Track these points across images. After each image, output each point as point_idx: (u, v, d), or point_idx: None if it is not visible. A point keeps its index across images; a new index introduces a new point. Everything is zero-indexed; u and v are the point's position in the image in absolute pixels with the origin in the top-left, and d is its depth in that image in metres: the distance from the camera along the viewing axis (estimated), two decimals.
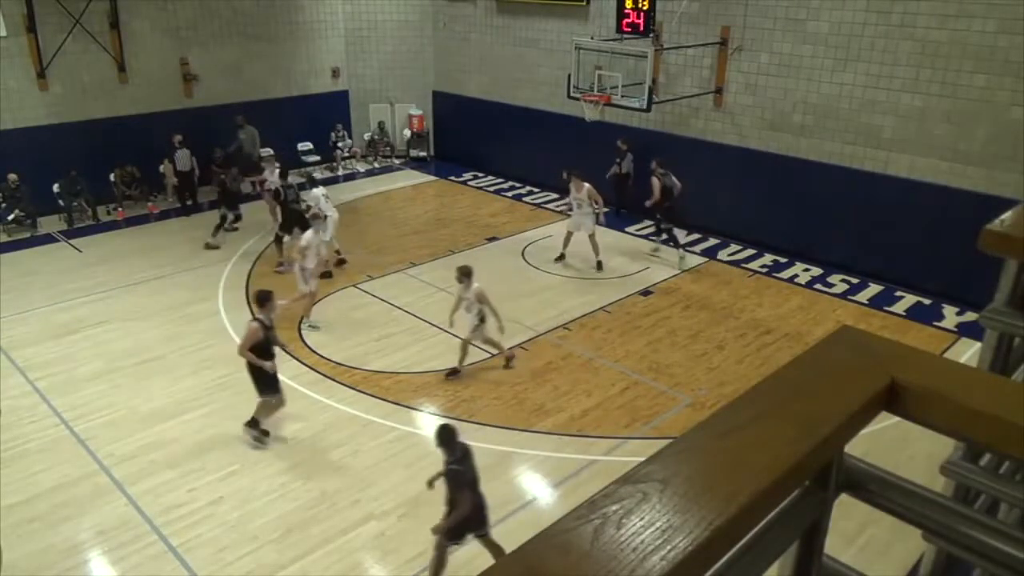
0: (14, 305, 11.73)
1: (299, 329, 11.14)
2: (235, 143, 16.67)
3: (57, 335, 10.87)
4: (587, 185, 12.86)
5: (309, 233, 11.17)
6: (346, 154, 18.97)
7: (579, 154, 15.50)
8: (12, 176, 14.31)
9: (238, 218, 14.52)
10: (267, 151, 16.29)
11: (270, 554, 6.99)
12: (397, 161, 19.59)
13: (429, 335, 11.00)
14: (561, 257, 13.53)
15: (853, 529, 6.95)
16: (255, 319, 8.43)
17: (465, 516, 6.29)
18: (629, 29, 13.43)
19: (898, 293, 12.44)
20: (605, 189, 13.86)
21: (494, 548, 6.60)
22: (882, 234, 12.63)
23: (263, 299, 8.50)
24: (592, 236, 13.09)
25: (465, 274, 9.59)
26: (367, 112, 19.66)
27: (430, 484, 6.73)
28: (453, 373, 9.88)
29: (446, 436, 6.32)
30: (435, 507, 7.59)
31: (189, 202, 15.97)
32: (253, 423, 8.50)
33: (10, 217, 14.44)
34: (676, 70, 14.76)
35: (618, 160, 15.28)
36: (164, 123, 16.11)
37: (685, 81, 14.65)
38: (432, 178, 18.73)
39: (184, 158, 15.76)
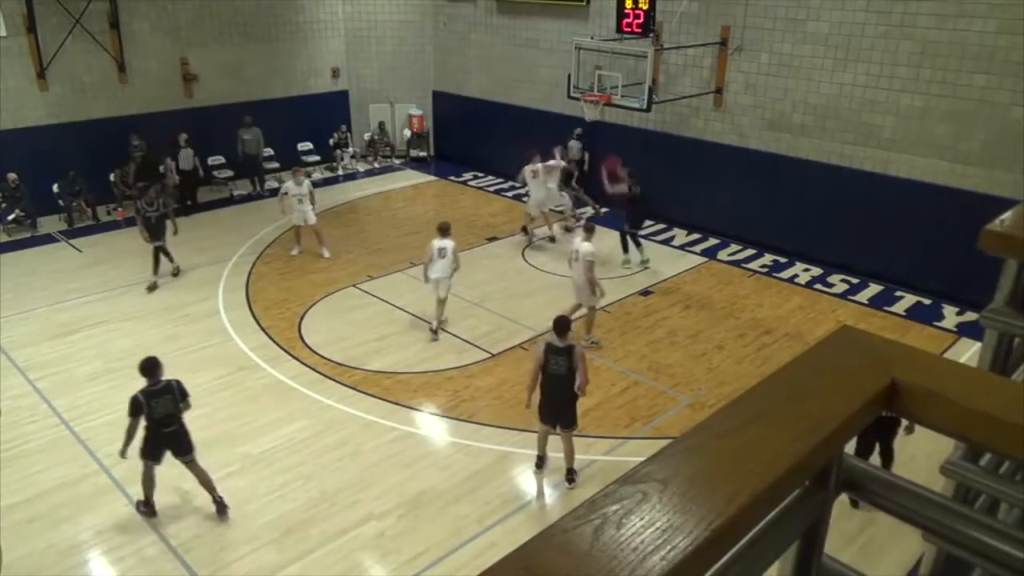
0: (14, 305, 11.73)
1: (299, 328, 11.14)
2: (238, 144, 16.67)
3: (57, 335, 10.87)
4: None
5: (586, 244, 10.18)
6: (347, 160, 18.97)
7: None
8: (12, 175, 14.31)
9: (162, 252, 12.61)
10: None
11: (270, 554, 6.99)
12: (397, 161, 19.59)
13: (429, 335, 11.00)
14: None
15: (853, 529, 6.96)
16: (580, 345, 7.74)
17: (144, 440, 7.12)
18: (629, 29, 13.43)
19: (898, 293, 12.44)
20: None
21: (199, 474, 7.34)
22: (882, 234, 12.63)
23: (566, 326, 7.76)
24: None
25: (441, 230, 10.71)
26: (367, 112, 19.66)
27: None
28: None
29: (147, 366, 7.14)
30: (436, 506, 7.61)
31: (189, 202, 15.96)
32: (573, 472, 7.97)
33: (11, 217, 14.45)
34: (676, 70, 14.76)
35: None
36: (164, 123, 16.11)
37: (685, 81, 14.65)
38: (432, 178, 18.72)
39: (187, 157, 15.76)
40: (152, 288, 12.40)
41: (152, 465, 7.25)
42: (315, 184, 17.79)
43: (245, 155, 16.79)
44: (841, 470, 1.13)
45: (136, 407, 7.04)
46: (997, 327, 1.84)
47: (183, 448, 7.28)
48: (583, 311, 10.49)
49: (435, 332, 10.84)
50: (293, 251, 13.75)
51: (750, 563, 0.99)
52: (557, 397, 7.65)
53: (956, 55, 11.41)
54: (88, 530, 7.29)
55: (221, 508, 7.42)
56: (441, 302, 10.81)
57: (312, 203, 13.53)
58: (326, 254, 13.66)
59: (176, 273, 12.89)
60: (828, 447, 1.02)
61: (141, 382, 10.01)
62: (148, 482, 7.30)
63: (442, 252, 10.63)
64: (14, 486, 7.77)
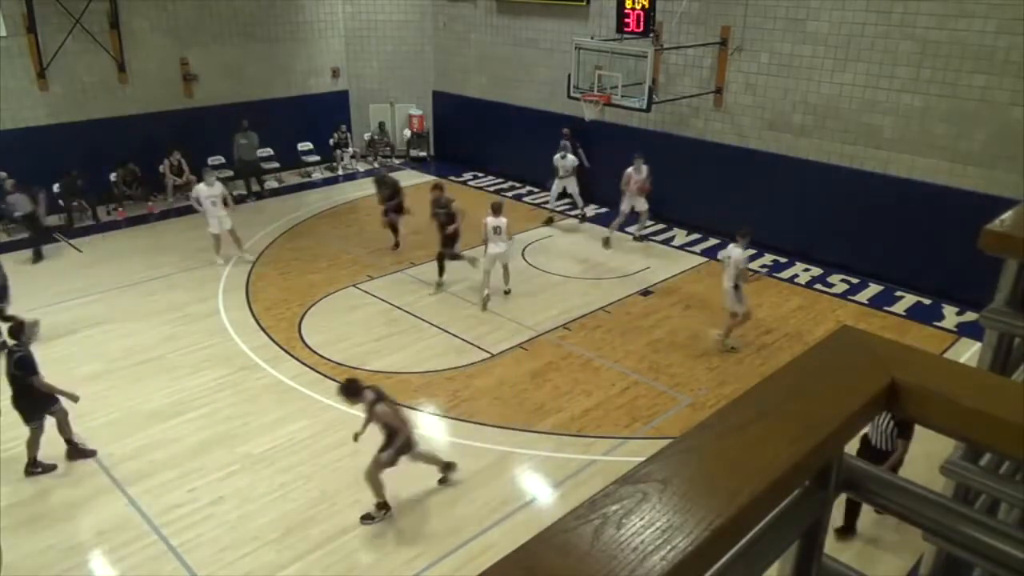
0: (14, 305, 11.71)
1: (299, 328, 11.14)
2: (235, 149, 16.63)
3: (57, 335, 10.84)
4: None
5: (738, 250, 10.25)
6: (347, 160, 18.97)
7: None
8: (2, 173, 14.29)
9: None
10: None
11: (270, 554, 6.99)
12: (397, 161, 19.58)
13: (429, 335, 11.00)
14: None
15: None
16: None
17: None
18: (629, 29, 13.42)
19: (898, 293, 12.44)
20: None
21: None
22: (882, 234, 12.63)
23: (353, 387, 7.38)
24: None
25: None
26: (367, 112, 19.65)
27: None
28: None
29: (14, 326, 8.10)
30: (436, 506, 7.61)
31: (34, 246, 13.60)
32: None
33: (18, 214, 14.39)
34: (676, 70, 14.75)
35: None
36: (164, 123, 16.11)
37: (685, 81, 14.64)
38: (432, 178, 18.68)
39: (23, 202, 13.66)
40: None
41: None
42: (315, 184, 17.97)
43: (241, 160, 16.73)
44: (841, 470, 1.13)
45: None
46: (997, 327, 1.84)
47: (25, 417, 7.92)
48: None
49: (488, 300, 11.80)
50: (218, 261, 13.21)
51: (750, 563, 0.99)
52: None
53: (956, 55, 11.41)
54: (88, 530, 7.28)
55: (75, 453, 8.13)
56: (505, 272, 12.01)
57: (227, 205, 13.18)
58: (248, 257, 13.41)
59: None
60: (828, 447, 1.02)
61: (141, 383, 10.11)
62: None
63: (497, 230, 11.63)
64: (14, 486, 7.77)
